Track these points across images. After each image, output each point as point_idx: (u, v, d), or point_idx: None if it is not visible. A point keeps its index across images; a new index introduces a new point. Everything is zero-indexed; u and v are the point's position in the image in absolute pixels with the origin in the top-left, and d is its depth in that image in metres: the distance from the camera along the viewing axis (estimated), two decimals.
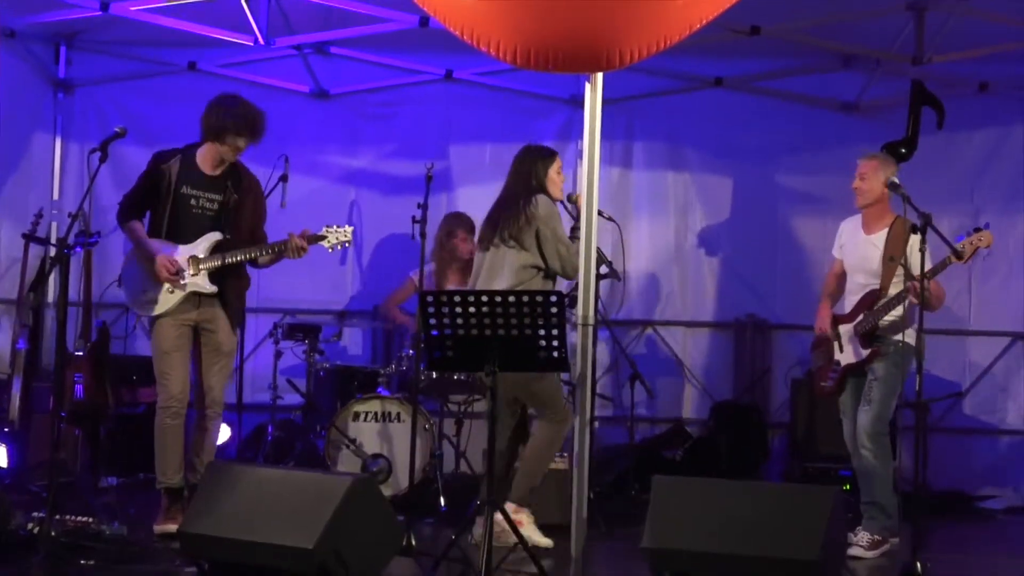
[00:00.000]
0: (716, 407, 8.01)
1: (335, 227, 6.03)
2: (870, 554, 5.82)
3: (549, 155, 5.95)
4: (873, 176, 6.02)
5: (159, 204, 5.90)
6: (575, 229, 5.88)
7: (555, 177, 5.89)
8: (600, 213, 5.94)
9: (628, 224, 8.22)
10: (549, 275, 5.77)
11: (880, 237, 6.01)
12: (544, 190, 5.82)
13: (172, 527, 5.65)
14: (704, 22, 5.05)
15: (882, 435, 5.91)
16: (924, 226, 5.32)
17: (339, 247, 6.05)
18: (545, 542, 5.70)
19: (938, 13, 6.86)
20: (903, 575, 5.03)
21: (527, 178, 5.86)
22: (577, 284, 5.62)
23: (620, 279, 7.23)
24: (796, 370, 8.04)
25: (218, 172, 5.95)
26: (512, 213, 5.77)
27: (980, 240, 5.69)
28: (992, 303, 8.08)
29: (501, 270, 5.77)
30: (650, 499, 4.84)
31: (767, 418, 8.05)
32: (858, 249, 6.13)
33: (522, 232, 5.72)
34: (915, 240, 5.66)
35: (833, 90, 8.08)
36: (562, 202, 5.97)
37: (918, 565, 4.98)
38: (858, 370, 6.04)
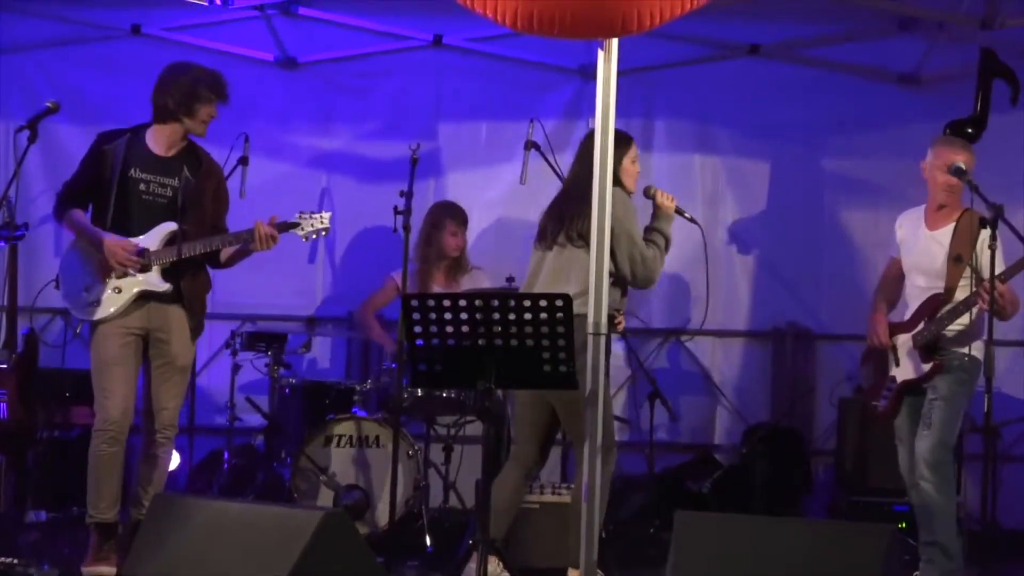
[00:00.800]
0: (750, 431, 8.02)
1: (310, 213, 6.03)
2: None
3: (624, 141, 5.91)
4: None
5: (103, 191, 5.90)
6: (649, 230, 5.92)
7: (630, 167, 5.94)
8: (680, 212, 6.04)
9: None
10: (618, 282, 5.76)
11: (945, 233, 5.98)
12: (618, 182, 5.82)
13: (104, 569, 5.70)
14: None
15: (945, 464, 5.90)
16: (995, 219, 5.34)
17: (314, 236, 6.05)
18: None
19: None
20: None
21: None
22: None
23: None
24: (844, 388, 8.04)
25: (172, 153, 5.95)
26: (583, 208, 5.64)
27: None
28: None
29: (568, 274, 5.76)
30: (672, 538, 4.86)
31: (810, 444, 8.07)
32: (919, 246, 6.11)
33: None
34: (985, 236, 5.66)
35: (888, 59, 8.09)
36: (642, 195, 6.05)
37: None
38: (916, 387, 6.04)
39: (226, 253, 6.01)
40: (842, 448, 7.79)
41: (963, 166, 5.79)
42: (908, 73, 8.10)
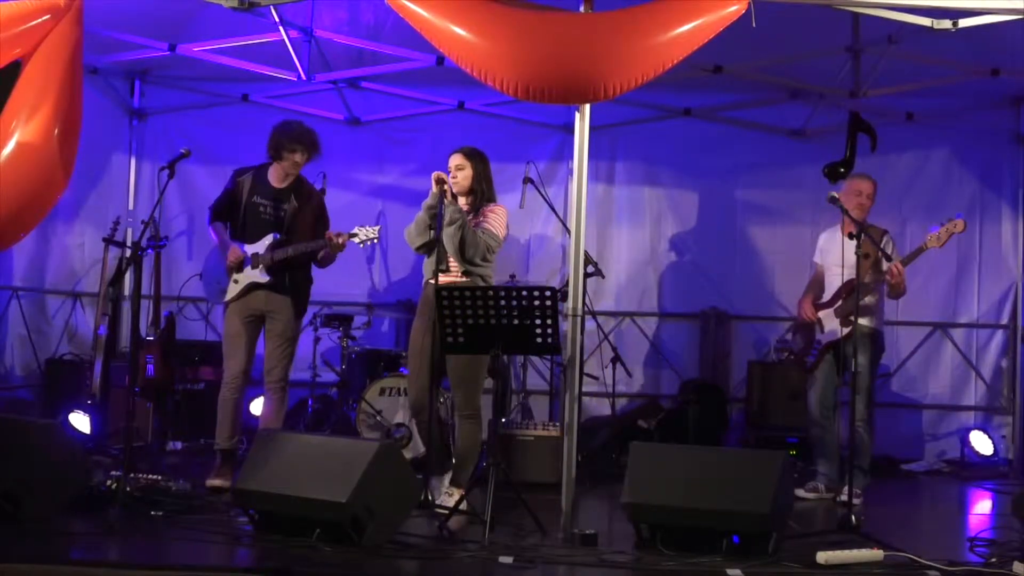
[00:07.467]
0: (684, 385, 7.98)
1: (365, 227, 5.95)
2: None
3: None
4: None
5: (235, 210, 5.94)
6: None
7: None
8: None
9: (610, 231, 8.26)
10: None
11: None
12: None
13: (219, 482, 5.69)
14: (675, 62, 5.05)
15: (870, 415, 6.02)
16: (859, 233, 5.35)
17: (368, 243, 5.94)
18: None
19: (871, 55, 6.86)
20: (840, 525, 5.02)
21: None
22: (568, 281, 5.61)
23: (604, 276, 7.25)
24: (752, 354, 8.04)
25: (284, 185, 5.95)
26: None
27: (955, 227, 5.66)
28: (915, 298, 8.00)
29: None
30: (628, 462, 4.85)
31: (727, 394, 8.02)
32: (836, 247, 6.13)
33: None
34: (887, 239, 5.77)
35: (783, 119, 8.06)
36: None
37: (853, 517, 4.98)
38: (835, 347, 6.02)
39: (319, 256, 5.95)
40: (750, 397, 7.79)
41: (835, 195, 5.71)
42: (797, 129, 8.07)
